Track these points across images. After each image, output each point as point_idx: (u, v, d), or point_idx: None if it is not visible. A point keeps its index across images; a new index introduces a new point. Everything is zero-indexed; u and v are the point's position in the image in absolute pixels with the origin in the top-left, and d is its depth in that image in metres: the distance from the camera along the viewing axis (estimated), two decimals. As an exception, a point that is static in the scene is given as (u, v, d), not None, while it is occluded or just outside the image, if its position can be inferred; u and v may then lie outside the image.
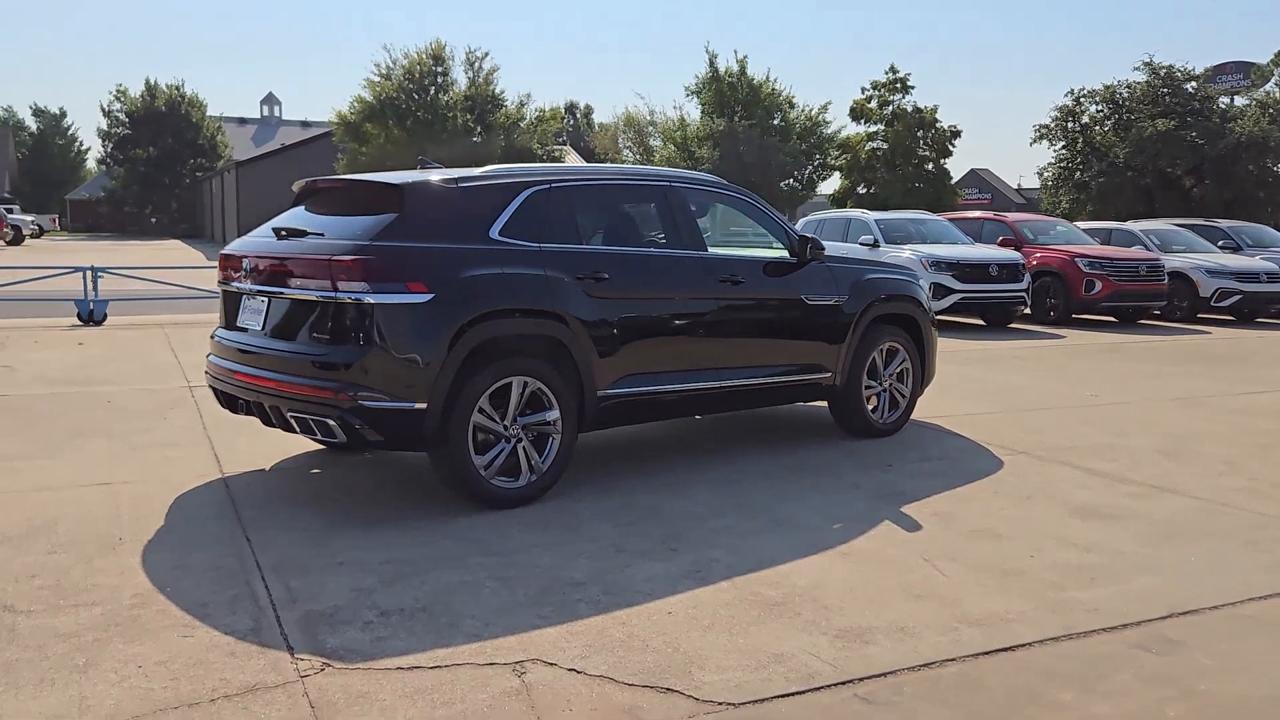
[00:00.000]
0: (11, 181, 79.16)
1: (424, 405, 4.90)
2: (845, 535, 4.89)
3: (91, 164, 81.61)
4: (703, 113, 41.63)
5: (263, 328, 5.29)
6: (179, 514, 5.07)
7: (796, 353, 6.57)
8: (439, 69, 36.79)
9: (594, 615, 3.84)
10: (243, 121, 79.92)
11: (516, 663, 3.42)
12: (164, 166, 66.52)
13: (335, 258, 4.88)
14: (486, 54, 36.89)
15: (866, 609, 3.94)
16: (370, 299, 4.83)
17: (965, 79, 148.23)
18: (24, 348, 11.34)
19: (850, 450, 6.73)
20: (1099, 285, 16.00)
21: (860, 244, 16.40)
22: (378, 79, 36.67)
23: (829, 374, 6.73)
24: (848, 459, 6.48)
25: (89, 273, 14.62)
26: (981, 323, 15.99)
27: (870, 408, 7.07)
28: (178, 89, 67.87)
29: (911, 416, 7.51)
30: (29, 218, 50.26)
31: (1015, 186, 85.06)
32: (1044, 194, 43.89)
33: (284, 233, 5.31)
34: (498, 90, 36.99)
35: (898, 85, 44.01)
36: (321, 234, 5.14)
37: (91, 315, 14.27)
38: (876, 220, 16.96)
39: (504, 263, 5.22)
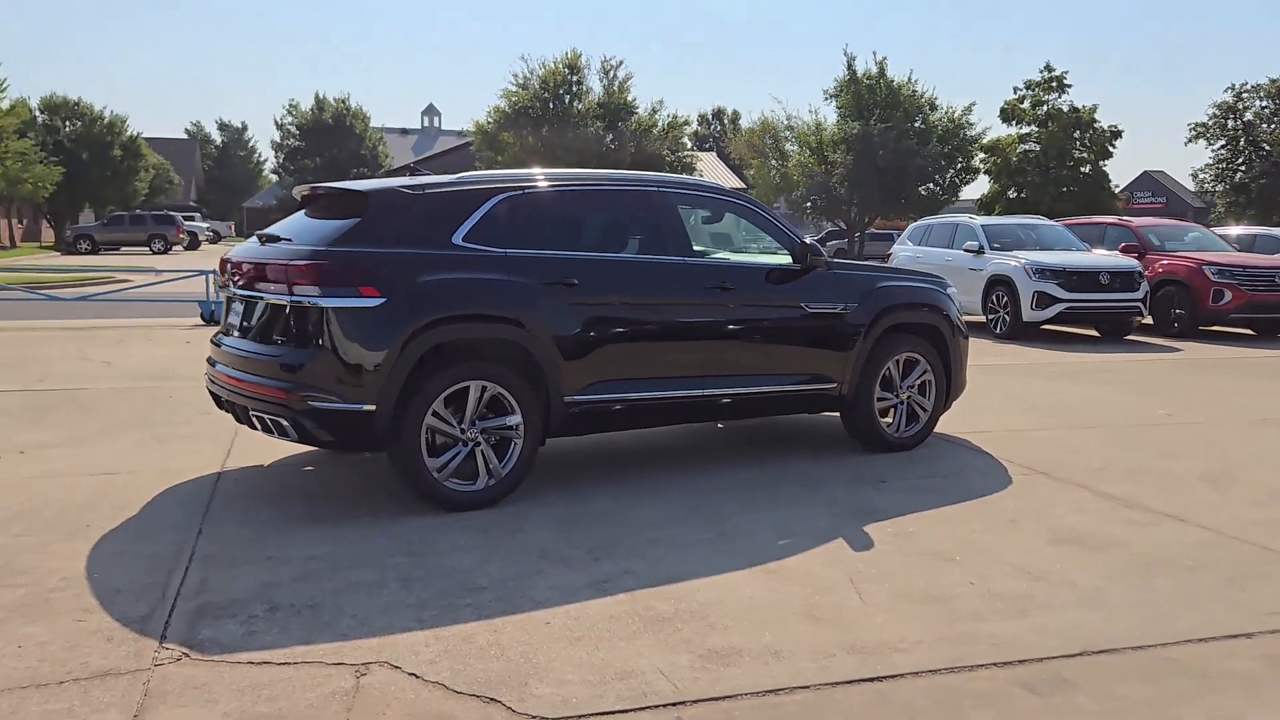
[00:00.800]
0: (199, 191, 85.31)
1: (373, 407, 5.01)
2: (785, 551, 4.72)
3: (269, 174, 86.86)
4: (839, 116, 40.89)
5: (240, 330, 5.53)
6: (156, 504, 5.34)
7: (796, 362, 6.38)
8: (574, 78, 37.45)
9: (472, 621, 3.84)
10: (404, 132, 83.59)
11: (364, 664, 3.46)
12: (329, 176, 70.04)
13: (292, 263, 5.05)
14: (621, 62, 37.32)
15: (752, 629, 3.80)
16: (322, 302, 4.97)
17: (1134, 77, 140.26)
18: (135, 344, 12.19)
19: (851, 464, 6.49)
20: (1228, 295, 14.87)
21: (965, 250, 15.82)
22: (515, 89, 37.58)
23: (835, 384, 6.51)
24: (841, 473, 6.25)
25: (210, 276, 15.66)
26: (1096, 334, 15.12)
27: (886, 421, 6.79)
28: (344, 102, 71.42)
29: (949, 431, 7.20)
30: (204, 225, 53.84)
31: (1194, 189, 79.95)
32: (1216, 197, 41.19)
33: (264, 239, 5.53)
34: (630, 98, 37.36)
35: (1053, 84, 42.14)
36: (290, 239, 5.33)
37: (212, 315, 15.23)
38: (983, 225, 16.29)
39: (464, 268, 5.28)
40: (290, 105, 71.36)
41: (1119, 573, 4.49)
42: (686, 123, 39.20)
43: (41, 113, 51.77)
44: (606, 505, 5.45)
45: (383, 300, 5.03)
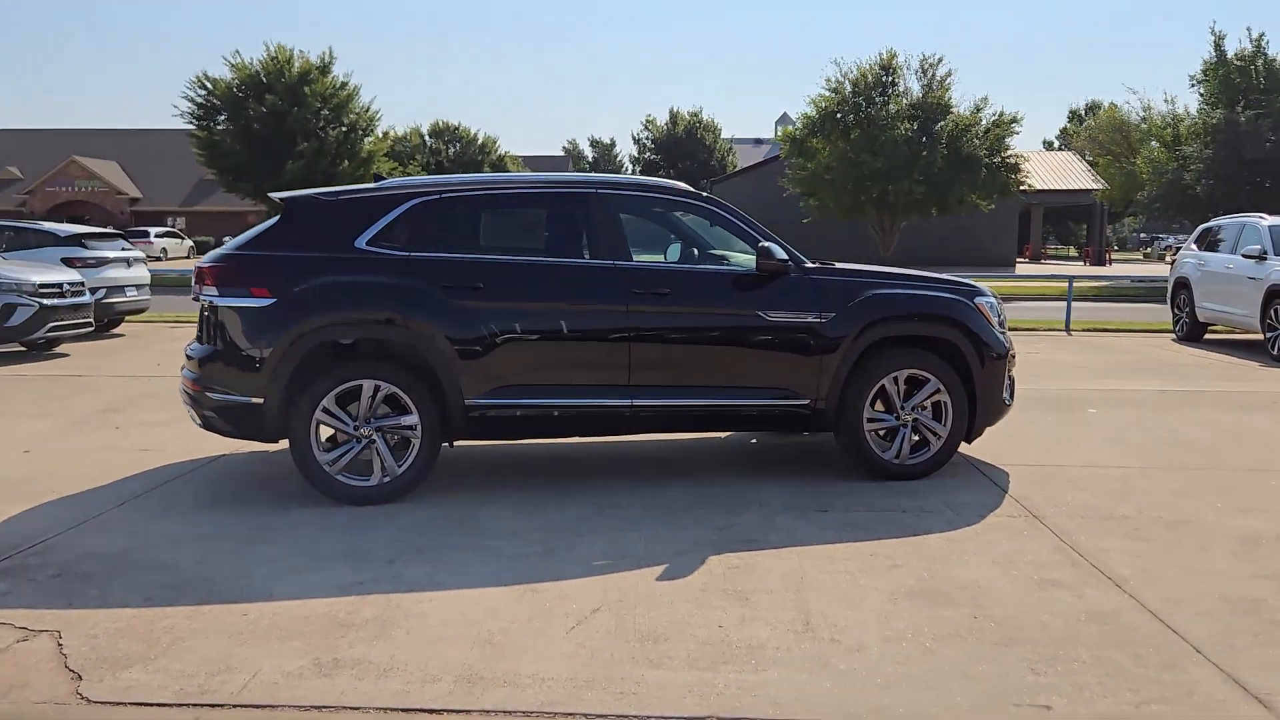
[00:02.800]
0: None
1: (261, 400, 5.35)
2: (578, 572, 4.44)
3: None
4: (1202, 104, 36.06)
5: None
6: (133, 479, 6.04)
7: (752, 376, 5.88)
8: (887, 78, 36.24)
9: (169, 606, 4.01)
10: (759, 142, 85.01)
11: (34, 630, 3.76)
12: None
13: (202, 265, 5.53)
14: (940, 59, 35.56)
15: (407, 644, 3.66)
16: (218, 301, 5.40)
17: None
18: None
19: (812, 487, 5.88)
20: None
21: (1243, 255, 13.53)
22: (828, 93, 37.07)
23: (805, 401, 5.93)
24: (788, 497, 5.70)
25: None
26: None
27: (894, 445, 6.04)
28: (696, 115, 74.19)
29: (996, 461, 6.37)
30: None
31: None
32: None
33: (217, 245, 6.06)
34: (948, 97, 35.47)
35: None
36: (223, 243, 5.81)
37: None
38: (1271, 227, 13.77)
39: (359, 271, 5.48)
40: (647, 121, 75.34)
41: (927, 637, 3.76)
42: (1015, 120, 36.53)
43: (430, 137, 58.78)
44: (468, 509, 5.39)
45: (272, 301, 5.35)
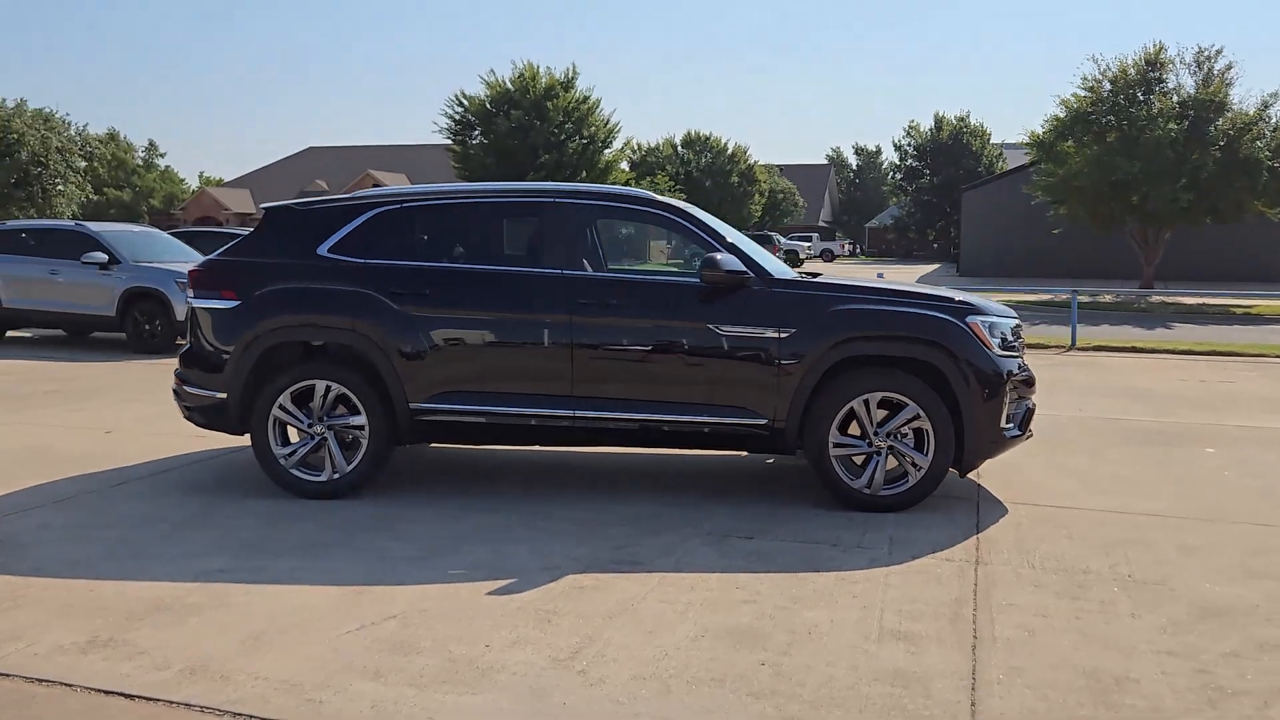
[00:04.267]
0: (833, 212, 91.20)
1: (224, 395, 5.77)
2: (427, 579, 4.47)
3: (891, 194, 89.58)
4: None
5: None
6: (157, 461, 6.68)
7: (702, 391, 5.64)
8: (1153, 74, 33.12)
9: (12, 576, 4.42)
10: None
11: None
12: (944, 193, 70.16)
13: (189, 269, 6.03)
14: (1219, 51, 32.09)
15: (173, 635, 3.85)
16: (194, 302, 5.88)
17: None
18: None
19: (773, 515, 5.56)
20: None
21: None
22: (1083, 93, 34.42)
23: (762, 421, 5.62)
24: (730, 521, 5.43)
25: None
26: None
27: (865, 474, 5.61)
28: (963, 120, 70.92)
29: (1023, 499, 5.89)
30: (806, 244, 57.56)
31: None
32: None
33: None
34: (1228, 95, 31.89)
35: None
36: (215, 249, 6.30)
37: None
38: None
39: (315, 277, 5.77)
40: (909, 126, 72.86)
41: (683, 679, 3.49)
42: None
43: (683, 148, 59.94)
44: (401, 510, 5.52)
45: (237, 303, 5.76)
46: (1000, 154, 71.48)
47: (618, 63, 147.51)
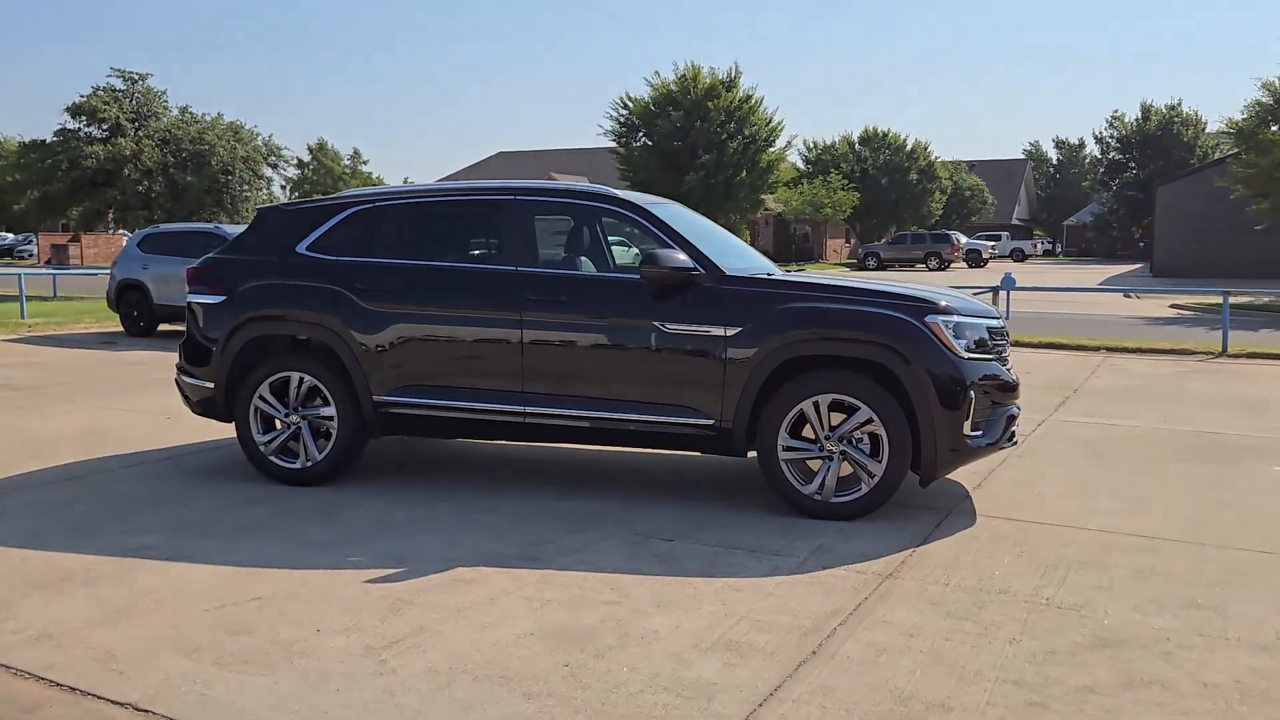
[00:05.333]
0: (1030, 209, 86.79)
1: (212, 385, 6.16)
2: (322, 564, 4.63)
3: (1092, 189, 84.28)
4: None
5: None
6: (195, 444, 7.20)
7: (649, 390, 5.56)
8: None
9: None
10: (1259, 135, 73.40)
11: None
12: (1150, 188, 65.43)
13: (188, 267, 6.46)
14: None
15: (50, 604, 4.15)
16: (190, 298, 6.30)
17: None
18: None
19: (711, 517, 5.43)
20: None
21: None
22: (1291, 75, 31.38)
23: (709, 421, 5.50)
24: (664, 522, 5.34)
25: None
26: None
27: (816, 479, 5.40)
28: (1174, 108, 66.00)
29: (1007, 514, 5.59)
30: (990, 244, 54.97)
31: None
32: None
33: None
34: None
35: None
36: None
37: None
38: None
39: (293, 274, 6.07)
40: (1112, 118, 68.44)
41: (425, 678, 3.50)
42: None
43: (860, 145, 58.57)
44: (349, 499, 5.71)
45: (223, 298, 6.13)
46: (1216, 145, 65.98)
47: (807, 60, 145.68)
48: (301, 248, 6.11)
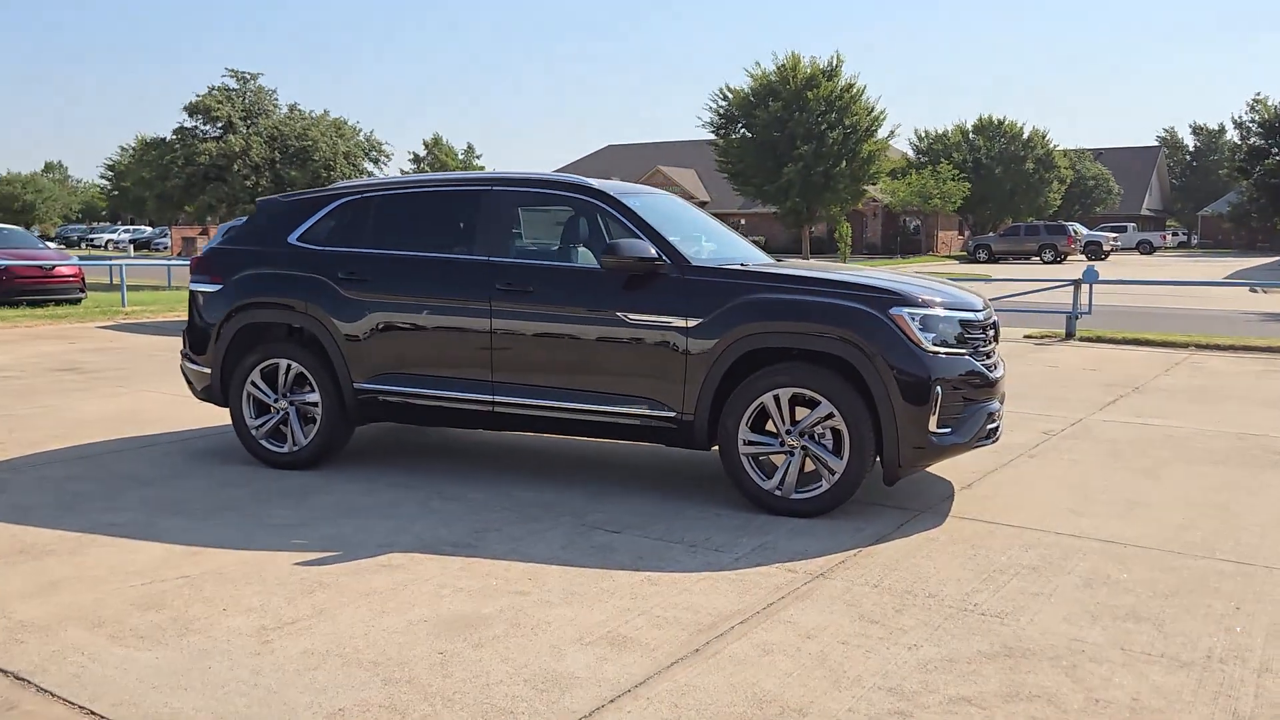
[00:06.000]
0: (1162, 199, 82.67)
1: (209, 370, 6.41)
2: (264, 544, 4.76)
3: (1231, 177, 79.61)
4: None
5: None
6: (185, 430, 7.50)
7: (611, 381, 5.52)
8: None
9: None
10: None
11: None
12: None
13: (193, 257, 6.72)
14: None
15: None
16: (192, 286, 6.55)
17: None
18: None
19: (674, 511, 5.37)
20: None
21: None
22: None
23: (671, 414, 5.44)
24: (620, 514, 5.30)
25: (1080, 286, 14.84)
26: None
27: (777, 475, 5.29)
28: (1321, 90, 61.76)
29: (979, 516, 5.40)
30: (1112, 235, 52.62)
31: None
32: None
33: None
34: None
35: None
36: None
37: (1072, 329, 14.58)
38: None
39: (282, 264, 6.24)
40: (1254, 101, 64.49)
41: (276, 663, 3.56)
42: None
43: (974, 134, 56.78)
44: (323, 483, 5.85)
45: (220, 286, 6.36)
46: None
47: (925, 47, 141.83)
48: (293, 238, 6.28)
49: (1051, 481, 6.04)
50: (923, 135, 56.96)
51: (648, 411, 5.45)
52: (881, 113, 37.49)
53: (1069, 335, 14.61)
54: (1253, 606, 4.05)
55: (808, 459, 5.24)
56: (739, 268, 5.54)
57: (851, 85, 37.24)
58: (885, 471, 5.16)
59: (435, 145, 71.55)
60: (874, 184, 40.05)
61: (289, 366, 6.14)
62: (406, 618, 3.89)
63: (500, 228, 5.85)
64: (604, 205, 5.75)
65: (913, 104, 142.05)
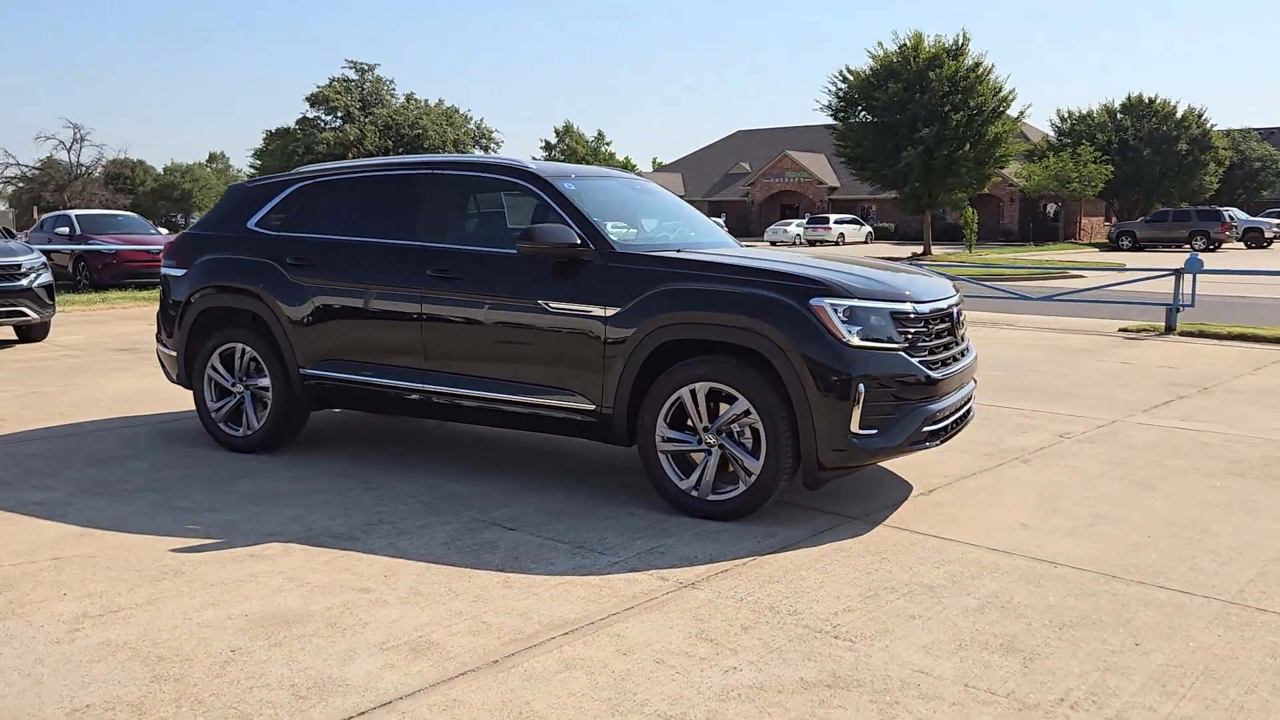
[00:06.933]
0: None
1: (175, 354, 6.51)
2: (137, 528, 4.78)
3: None
4: None
5: None
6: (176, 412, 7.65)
7: (533, 371, 5.32)
8: None
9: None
10: None
11: None
12: None
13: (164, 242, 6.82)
14: None
15: (-98, 549, 4.51)
16: (164, 270, 6.66)
17: None
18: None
19: (577, 507, 5.14)
20: None
21: None
22: None
23: (591, 407, 5.20)
24: (521, 508, 5.10)
25: (1182, 276, 14.02)
26: None
27: (694, 474, 4.99)
28: None
29: (914, 527, 5.02)
30: (1275, 222, 48.88)
31: None
32: None
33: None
34: None
35: None
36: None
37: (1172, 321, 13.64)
38: None
39: (238, 248, 6.26)
40: None
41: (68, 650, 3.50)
42: None
43: (1121, 114, 53.56)
44: (253, 468, 5.84)
45: (184, 271, 6.44)
46: None
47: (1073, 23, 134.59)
48: (251, 223, 6.29)
49: (1026, 490, 5.51)
50: (1064, 116, 54.14)
51: (569, 404, 5.22)
52: (1010, 93, 35.73)
53: (1169, 329, 13.53)
54: (1155, 643, 3.54)
55: (729, 459, 4.90)
56: (663, 255, 5.23)
57: (979, 64, 35.61)
58: (804, 475, 4.78)
59: (566, 133, 72.31)
60: (1001, 168, 38.23)
61: (244, 351, 6.16)
62: (230, 611, 3.79)
63: (436, 212, 5.71)
64: (533, 188, 5.52)
65: (1055, 83, 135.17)
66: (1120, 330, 13.61)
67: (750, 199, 67.49)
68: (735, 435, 4.85)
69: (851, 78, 37.22)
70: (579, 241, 5.13)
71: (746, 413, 4.77)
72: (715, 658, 3.41)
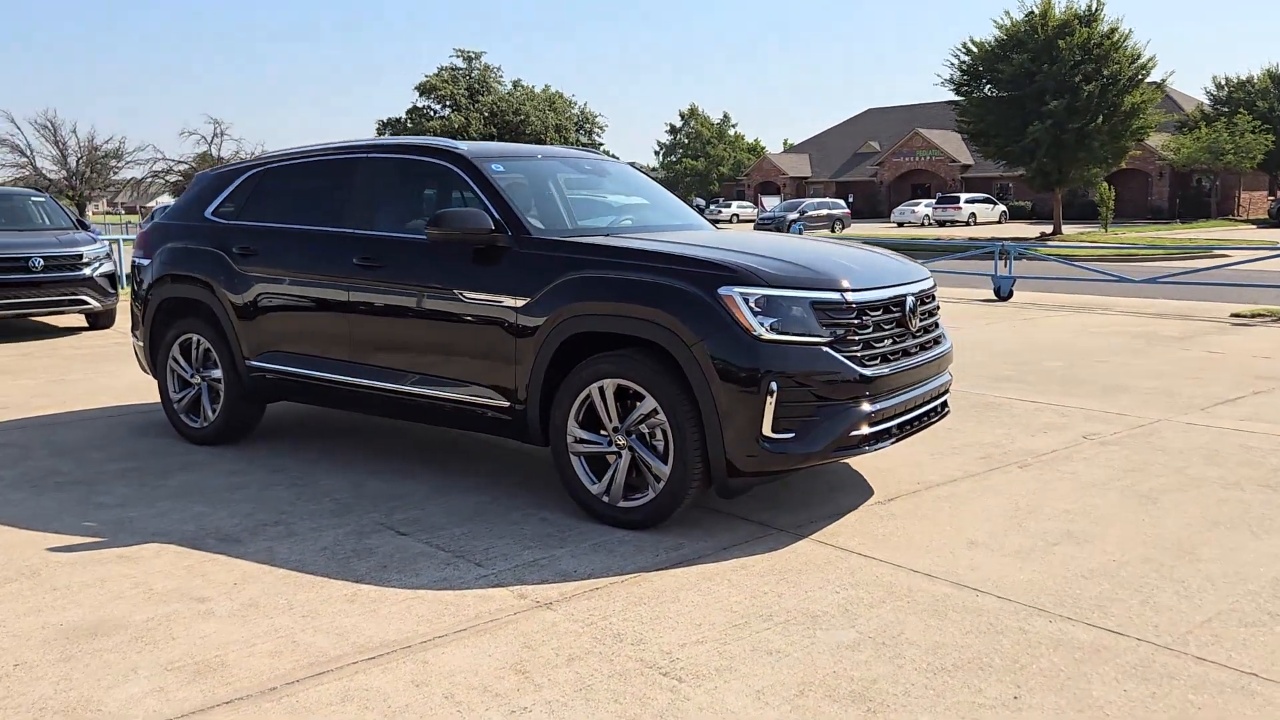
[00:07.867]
0: None
1: (142, 343, 6.48)
2: (42, 524, 4.69)
3: None
4: None
5: None
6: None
7: (451, 364, 5.00)
8: None
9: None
10: None
11: None
12: None
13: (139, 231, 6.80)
14: None
15: None
16: (135, 260, 6.64)
17: None
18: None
19: (491, 511, 4.81)
20: None
21: None
22: None
23: (505, 403, 4.86)
24: (433, 512, 4.80)
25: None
26: None
27: (605, 478, 4.60)
28: None
29: (847, 544, 4.55)
30: None
31: None
32: None
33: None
34: None
35: None
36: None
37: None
38: None
39: (193, 238, 6.16)
40: None
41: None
42: None
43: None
44: (188, 462, 5.71)
45: (148, 261, 6.40)
46: None
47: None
48: (208, 212, 6.18)
49: (1002, 501, 4.88)
50: (1221, 83, 50.34)
51: (484, 400, 4.89)
52: (1150, 60, 33.25)
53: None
54: (1038, 698, 2.95)
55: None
56: (581, 241, 4.81)
57: (1114, 30, 33.32)
58: (714, 482, 4.31)
59: (692, 116, 71.73)
60: (1139, 140, 35.75)
61: (198, 341, 6.06)
62: (48, 620, 3.61)
63: (369, 198, 5.45)
64: (455, 169, 5.19)
65: (1214, 49, 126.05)
66: (1232, 315, 12.39)
67: (879, 179, 65.51)
68: (646, 437, 4.42)
69: (975, 50, 35.43)
70: (494, 227, 4.77)
71: (654, 412, 4.33)
72: (512, 695, 3.02)
